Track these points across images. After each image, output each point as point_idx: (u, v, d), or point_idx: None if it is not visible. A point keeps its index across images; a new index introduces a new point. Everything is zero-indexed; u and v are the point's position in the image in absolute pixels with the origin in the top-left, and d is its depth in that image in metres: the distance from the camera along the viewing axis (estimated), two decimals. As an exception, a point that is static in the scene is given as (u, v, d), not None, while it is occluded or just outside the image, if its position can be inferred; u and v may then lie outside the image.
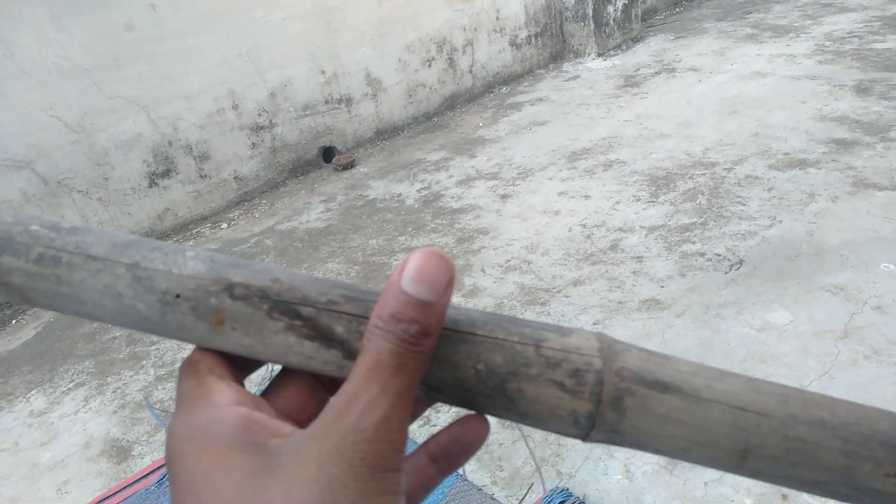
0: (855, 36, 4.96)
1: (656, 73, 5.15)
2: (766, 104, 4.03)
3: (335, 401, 0.27)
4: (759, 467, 0.31)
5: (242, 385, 0.32)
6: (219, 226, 3.92)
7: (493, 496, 1.75)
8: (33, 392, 2.63)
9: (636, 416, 0.31)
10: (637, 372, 0.32)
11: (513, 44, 5.63)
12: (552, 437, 1.92)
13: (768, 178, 3.15)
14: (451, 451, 0.35)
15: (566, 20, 5.93)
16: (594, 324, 2.37)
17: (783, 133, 3.59)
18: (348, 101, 4.59)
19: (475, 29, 5.26)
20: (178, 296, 0.31)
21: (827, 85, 4.12)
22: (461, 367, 0.31)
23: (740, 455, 0.31)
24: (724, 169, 3.32)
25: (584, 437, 0.33)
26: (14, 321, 3.23)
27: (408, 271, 0.28)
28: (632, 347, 0.33)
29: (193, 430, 0.27)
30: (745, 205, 2.96)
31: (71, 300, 0.32)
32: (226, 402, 0.28)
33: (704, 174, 3.31)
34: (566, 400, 0.31)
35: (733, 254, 2.62)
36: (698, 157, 3.51)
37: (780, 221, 2.77)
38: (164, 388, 2.48)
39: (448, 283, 0.28)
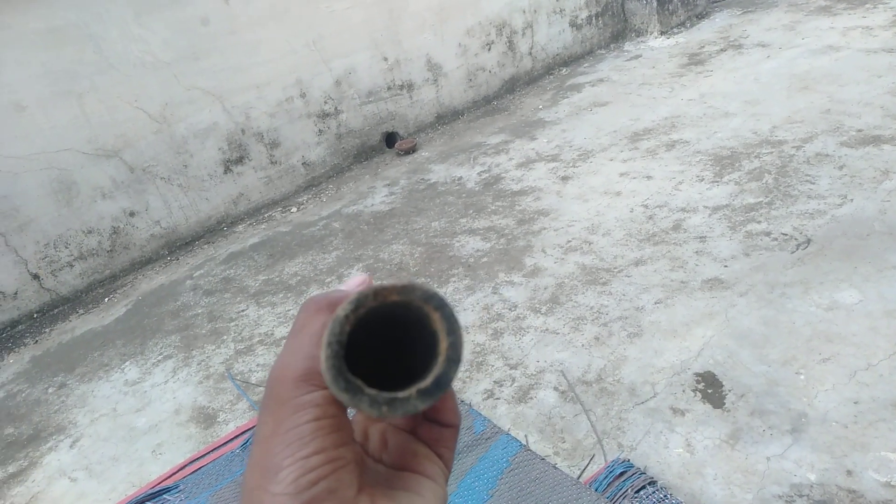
0: (939, 4, 4.69)
1: (722, 49, 5.02)
2: (839, 79, 3.89)
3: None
4: None
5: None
6: (289, 210, 4.10)
7: (556, 466, 1.82)
8: (127, 363, 2.86)
9: None
10: None
11: (573, 24, 5.59)
12: (614, 410, 1.97)
13: (839, 155, 3.06)
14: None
15: (628, -2, 5.83)
16: (656, 303, 2.39)
17: (857, 109, 3.47)
18: (410, 86, 4.68)
19: (535, 11, 5.24)
20: None
21: (906, 57, 3.94)
22: None
23: None
24: (793, 147, 3.24)
25: None
26: (106, 299, 3.49)
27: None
28: None
29: None
30: (814, 183, 2.89)
31: None
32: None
33: (771, 153, 3.24)
34: None
35: (801, 233, 2.58)
36: (765, 136, 3.43)
37: (852, 200, 2.70)
38: (243, 361, 2.65)
39: None
